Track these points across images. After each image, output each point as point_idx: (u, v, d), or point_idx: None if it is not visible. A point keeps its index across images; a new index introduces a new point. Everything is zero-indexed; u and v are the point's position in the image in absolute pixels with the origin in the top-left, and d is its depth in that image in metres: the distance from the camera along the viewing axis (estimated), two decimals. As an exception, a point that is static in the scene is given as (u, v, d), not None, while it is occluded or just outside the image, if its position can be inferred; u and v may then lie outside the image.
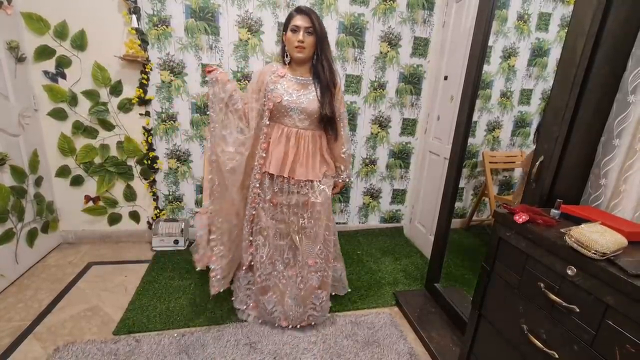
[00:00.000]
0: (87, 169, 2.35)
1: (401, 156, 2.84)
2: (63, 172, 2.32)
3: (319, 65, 1.58)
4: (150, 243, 2.48)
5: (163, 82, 2.29)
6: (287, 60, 1.61)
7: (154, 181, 2.47)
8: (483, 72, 1.73)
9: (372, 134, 2.72)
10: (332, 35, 2.41)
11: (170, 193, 2.54)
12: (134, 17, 2.09)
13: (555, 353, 0.91)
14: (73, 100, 2.20)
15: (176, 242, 2.45)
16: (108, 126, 2.29)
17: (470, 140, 2.38)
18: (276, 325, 1.75)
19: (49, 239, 2.33)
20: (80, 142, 2.29)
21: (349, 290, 2.06)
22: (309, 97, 1.59)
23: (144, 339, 1.62)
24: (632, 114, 1.03)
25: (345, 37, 2.44)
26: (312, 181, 1.64)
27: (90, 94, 2.21)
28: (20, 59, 2.02)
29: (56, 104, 2.20)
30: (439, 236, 2.01)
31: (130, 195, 2.46)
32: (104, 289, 1.99)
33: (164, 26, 2.19)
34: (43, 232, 2.26)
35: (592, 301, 0.82)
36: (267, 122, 1.62)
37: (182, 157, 2.47)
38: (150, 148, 2.38)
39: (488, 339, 1.20)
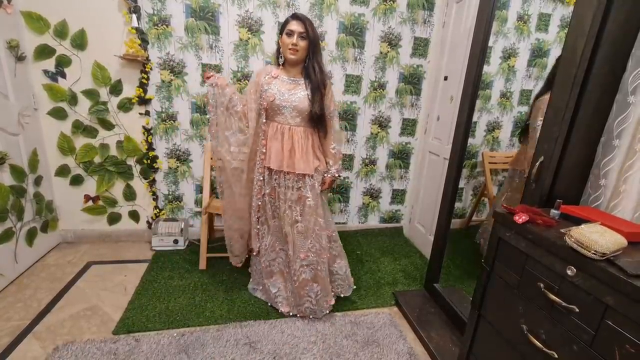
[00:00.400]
0: (86, 169, 2.34)
1: (401, 156, 2.84)
2: (63, 171, 2.32)
3: (310, 67, 1.70)
4: (150, 243, 2.48)
5: (163, 81, 2.29)
6: (281, 61, 1.73)
7: (154, 181, 2.47)
8: (483, 72, 1.74)
9: (372, 134, 2.72)
10: (332, 35, 2.42)
11: (170, 193, 2.54)
12: (134, 16, 2.09)
13: (554, 353, 0.91)
14: (73, 100, 2.20)
15: (176, 241, 2.45)
16: (108, 125, 2.29)
17: (470, 140, 2.37)
18: (279, 310, 1.87)
19: (48, 238, 2.33)
20: (80, 141, 2.29)
21: (354, 287, 2.07)
22: (300, 96, 1.70)
23: (143, 339, 1.62)
24: (631, 114, 1.03)
25: (346, 37, 2.44)
26: (305, 176, 1.74)
27: (90, 93, 2.21)
28: (20, 58, 2.01)
29: (56, 103, 2.20)
30: (438, 236, 2.01)
31: (129, 194, 2.46)
32: (103, 289, 1.99)
33: (164, 25, 2.19)
34: (42, 232, 2.26)
35: (592, 301, 0.82)
36: (264, 121, 1.74)
37: (181, 157, 2.47)
38: (150, 147, 2.38)
39: (487, 339, 1.20)
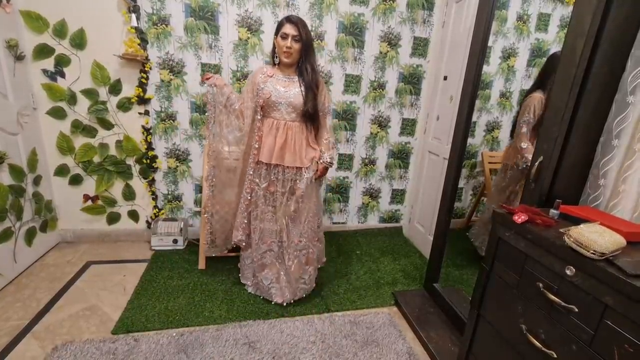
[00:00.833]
0: (86, 168, 2.34)
1: (400, 156, 2.84)
2: (62, 171, 2.32)
3: (303, 68, 1.79)
4: (149, 242, 2.48)
5: (162, 81, 2.29)
6: (276, 60, 1.81)
7: (153, 180, 2.46)
8: (482, 72, 1.74)
9: (371, 133, 2.72)
10: (332, 34, 2.41)
11: (170, 192, 2.53)
12: (133, 15, 2.09)
13: (554, 353, 0.91)
14: (72, 99, 2.20)
15: (175, 241, 2.44)
16: (107, 125, 2.29)
17: (470, 140, 2.38)
18: (273, 302, 1.93)
19: (47, 238, 2.32)
20: (79, 141, 2.29)
21: (324, 259, 2.15)
22: (295, 92, 1.79)
23: (142, 339, 1.62)
24: (631, 114, 1.03)
25: (345, 37, 2.44)
26: (300, 169, 1.83)
27: (90, 93, 2.21)
28: (19, 58, 2.01)
29: (55, 103, 2.20)
30: (438, 236, 2.01)
31: (129, 194, 2.46)
32: (102, 288, 1.99)
33: (164, 25, 2.19)
34: (42, 231, 2.25)
35: (591, 301, 0.82)
36: (260, 117, 1.82)
37: (181, 157, 2.46)
38: (150, 147, 2.37)
39: (487, 339, 1.20)
